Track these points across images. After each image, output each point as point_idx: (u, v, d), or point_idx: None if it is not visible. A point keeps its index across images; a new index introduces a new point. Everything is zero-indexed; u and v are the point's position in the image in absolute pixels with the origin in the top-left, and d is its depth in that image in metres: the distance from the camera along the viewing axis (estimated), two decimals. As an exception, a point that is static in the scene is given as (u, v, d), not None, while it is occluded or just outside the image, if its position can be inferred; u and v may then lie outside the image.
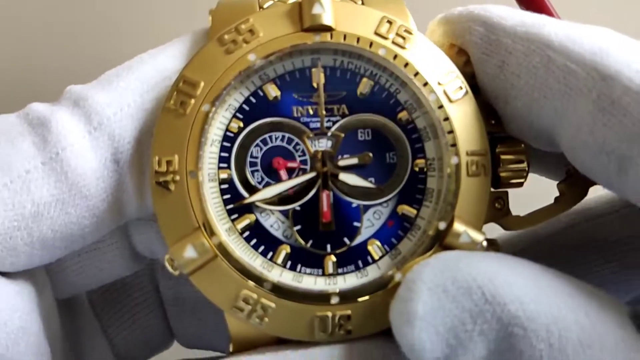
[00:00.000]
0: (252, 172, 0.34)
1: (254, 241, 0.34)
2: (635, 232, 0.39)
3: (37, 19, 0.58)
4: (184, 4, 0.57)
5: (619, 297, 0.39)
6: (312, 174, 0.34)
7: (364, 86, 0.35)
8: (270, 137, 0.35)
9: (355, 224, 0.34)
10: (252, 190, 0.34)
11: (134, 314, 0.43)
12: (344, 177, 0.34)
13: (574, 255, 0.39)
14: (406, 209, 0.34)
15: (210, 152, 0.34)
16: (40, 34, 0.58)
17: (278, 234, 0.34)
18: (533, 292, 0.29)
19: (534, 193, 0.36)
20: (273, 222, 0.34)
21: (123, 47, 0.57)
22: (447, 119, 0.34)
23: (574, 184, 0.36)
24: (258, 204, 0.34)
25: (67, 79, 0.37)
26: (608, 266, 0.39)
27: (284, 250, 0.34)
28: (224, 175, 0.34)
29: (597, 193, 0.37)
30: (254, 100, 0.34)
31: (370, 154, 0.35)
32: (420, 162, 0.35)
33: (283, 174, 0.34)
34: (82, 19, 0.58)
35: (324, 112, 0.34)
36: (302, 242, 0.34)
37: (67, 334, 0.39)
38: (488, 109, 0.35)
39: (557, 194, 0.36)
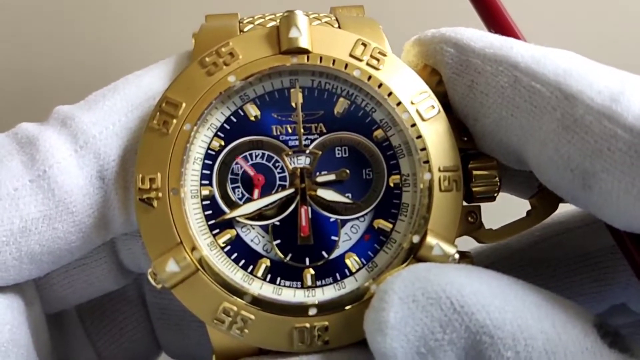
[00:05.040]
0: (233, 189, 0.35)
1: (234, 255, 0.35)
2: (603, 245, 0.40)
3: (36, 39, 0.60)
4: (170, 27, 0.59)
5: (593, 307, 0.40)
6: (291, 190, 0.35)
7: (341, 105, 0.36)
8: (250, 154, 0.36)
9: (333, 238, 0.35)
10: (233, 206, 0.35)
11: (122, 327, 0.44)
12: (321, 192, 0.35)
13: (545, 267, 0.40)
14: (382, 223, 0.35)
15: (193, 169, 0.35)
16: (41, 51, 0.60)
17: (258, 248, 0.35)
18: (499, 302, 0.30)
19: (507, 207, 0.38)
20: (253, 236, 0.35)
21: (113, 68, 0.58)
22: (420, 136, 0.35)
23: (545, 198, 0.36)
24: (239, 219, 0.35)
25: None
26: (577, 278, 0.40)
27: (264, 263, 0.35)
28: (205, 192, 0.35)
29: (567, 208, 0.38)
30: (235, 120, 0.36)
31: (347, 171, 0.36)
32: (396, 178, 0.36)
33: (258, 191, 0.35)
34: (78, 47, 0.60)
35: (302, 131, 0.36)
36: (282, 255, 0.35)
37: (56, 346, 0.39)
38: (460, 127, 0.36)
39: (529, 208, 0.37)
